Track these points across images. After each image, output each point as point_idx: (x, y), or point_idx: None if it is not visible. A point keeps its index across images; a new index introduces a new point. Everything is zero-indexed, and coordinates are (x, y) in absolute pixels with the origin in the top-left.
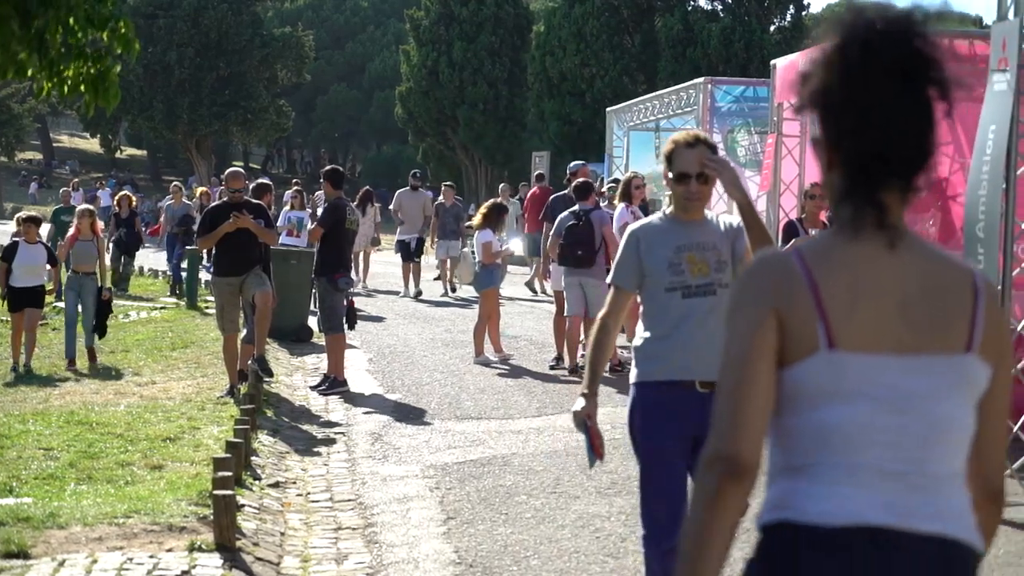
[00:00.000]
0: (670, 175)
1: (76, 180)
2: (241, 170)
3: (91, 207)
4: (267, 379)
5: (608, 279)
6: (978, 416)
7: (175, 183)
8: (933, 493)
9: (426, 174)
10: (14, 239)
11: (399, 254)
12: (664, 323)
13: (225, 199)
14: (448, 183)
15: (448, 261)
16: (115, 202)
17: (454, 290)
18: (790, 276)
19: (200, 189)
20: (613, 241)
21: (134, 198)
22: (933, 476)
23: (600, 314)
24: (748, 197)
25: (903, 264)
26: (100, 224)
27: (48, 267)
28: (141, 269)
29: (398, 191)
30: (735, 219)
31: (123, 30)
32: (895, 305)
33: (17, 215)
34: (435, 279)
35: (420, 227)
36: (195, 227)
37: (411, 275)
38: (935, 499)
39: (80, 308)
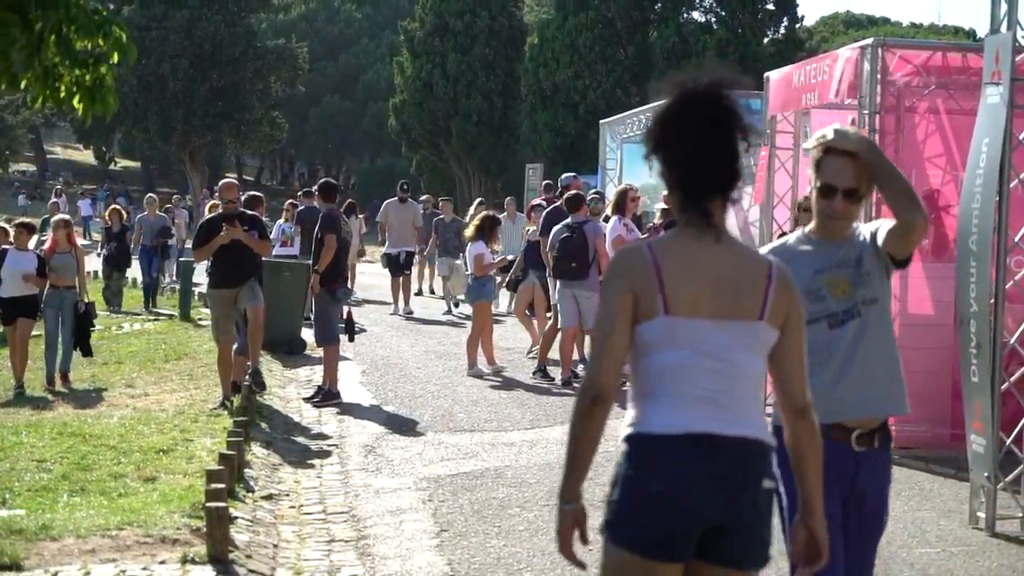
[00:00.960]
0: (816, 184)
1: (59, 187)
2: (235, 181)
3: (67, 217)
4: (260, 392)
5: None
6: (777, 360)
7: (149, 195)
8: (735, 410)
9: (419, 185)
10: (3, 247)
11: (387, 268)
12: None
13: (219, 210)
14: (446, 197)
15: (452, 278)
16: (107, 216)
17: (457, 306)
18: (643, 262)
19: (211, 202)
20: (605, 254)
21: (124, 212)
22: (734, 399)
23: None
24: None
25: (721, 255)
26: (77, 232)
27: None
28: (134, 281)
29: (385, 202)
30: (874, 224)
31: (118, 34)
32: (712, 284)
33: (11, 221)
34: (416, 293)
35: (408, 239)
36: (171, 240)
37: (401, 291)
38: (736, 414)
39: (60, 325)
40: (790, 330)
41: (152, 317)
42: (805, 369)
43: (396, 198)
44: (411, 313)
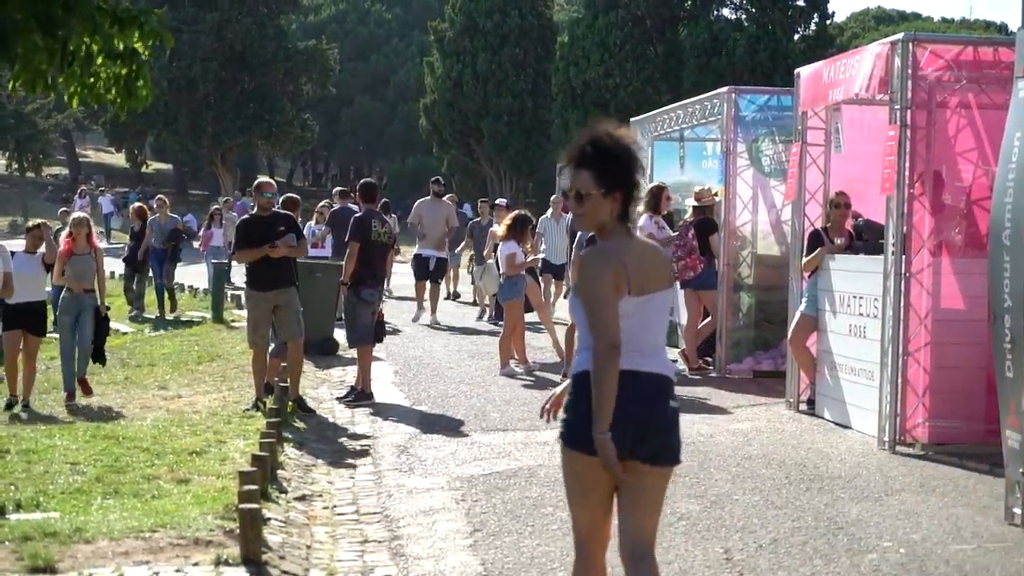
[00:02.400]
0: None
1: (83, 187)
2: (271, 180)
3: (86, 216)
4: (309, 415)
5: None
6: None
7: (159, 197)
8: (653, 356)
9: (450, 185)
10: (12, 250)
11: (414, 271)
12: None
13: (254, 211)
14: (483, 198)
15: (483, 277)
16: (130, 213)
17: (484, 313)
18: (616, 257)
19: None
20: None
21: (149, 210)
22: (654, 347)
23: None
24: None
25: (643, 249)
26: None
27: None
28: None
29: (417, 201)
30: None
31: (153, 25)
32: (647, 270)
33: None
34: (445, 298)
35: (441, 242)
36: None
37: (426, 296)
38: (654, 358)
39: (77, 332)
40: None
41: (201, 317)
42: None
43: (430, 195)
44: (437, 324)
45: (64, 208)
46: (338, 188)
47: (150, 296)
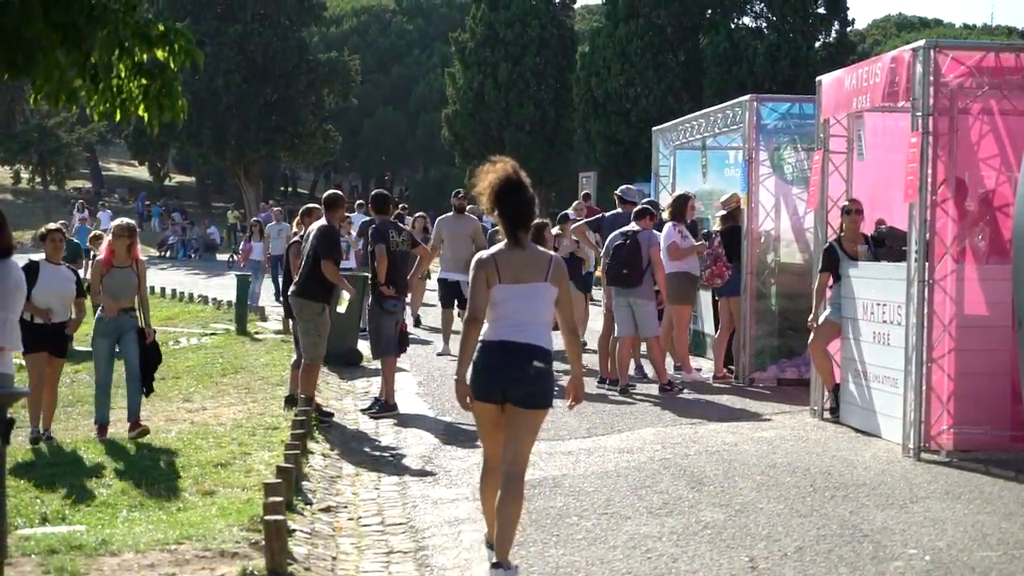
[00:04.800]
0: None
1: (82, 201)
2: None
3: (131, 222)
4: (329, 420)
5: None
6: (558, 303)
7: (94, 232)
8: (532, 329)
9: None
10: (32, 259)
11: (440, 297)
12: None
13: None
14: None
15: None
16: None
17: None
18: (491, 261)
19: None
20: (660, 263)
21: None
22: (533, 324)
23: None
24: None
25: (524, 255)
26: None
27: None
28: (190, 296)
29: (438, 219)
30: None
31: (182, 43)
32: (521, 266)
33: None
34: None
35: (467, 263)
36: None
37: (451, 324)
38: (532, 331)
39: (119, 358)
40: (562, 289)
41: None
42: (572, 306)
43: (452, 211)
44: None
45: (78, 214)
46: (358, 202)
47: (200, 306)
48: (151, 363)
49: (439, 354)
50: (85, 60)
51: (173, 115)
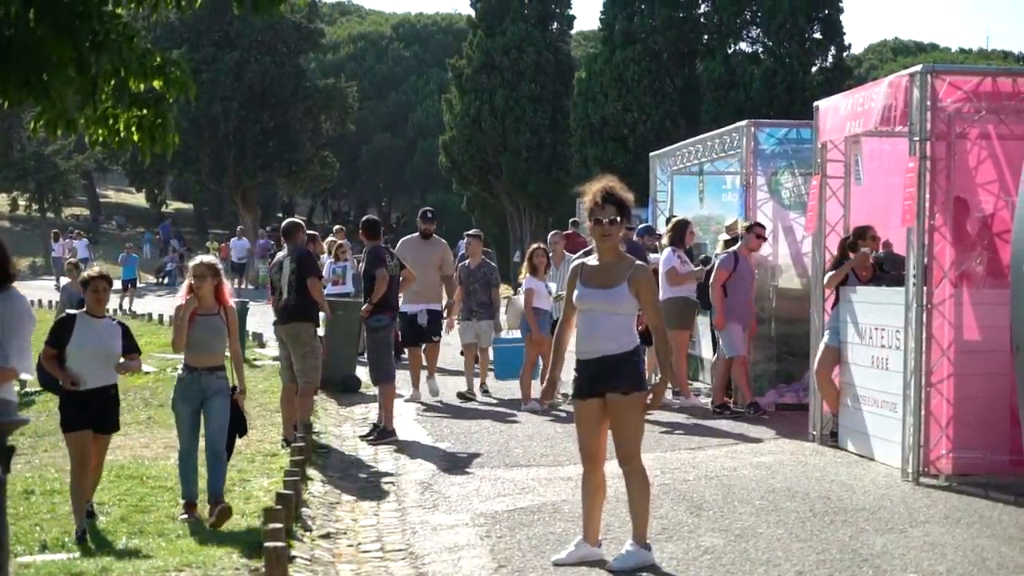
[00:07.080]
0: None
1: (56, 231)
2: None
3: (214, 259)
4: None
5: None
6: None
7: (70, 261)
8: (614, 339)
9: (470, 222)
10: (69, 312)
11: (401, 334)
12: None
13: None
14: (473, 231)
15: (476, 350)
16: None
17: (485, 392)
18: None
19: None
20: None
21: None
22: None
23: None
24: None
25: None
26: (228, 287)
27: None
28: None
29: (401, 240)
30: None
31: (178, 74)
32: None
33: (82, 273)
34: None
35: (432, 292)
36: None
37: (422, 364)
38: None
39: (203, 425)
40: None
41: None
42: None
43: (418, 233)
44: (436, 394)
45: (55, 243)
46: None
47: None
48: (239, 427)
49: (407, 400)
50: (93, 88)
51: (164, 147)
